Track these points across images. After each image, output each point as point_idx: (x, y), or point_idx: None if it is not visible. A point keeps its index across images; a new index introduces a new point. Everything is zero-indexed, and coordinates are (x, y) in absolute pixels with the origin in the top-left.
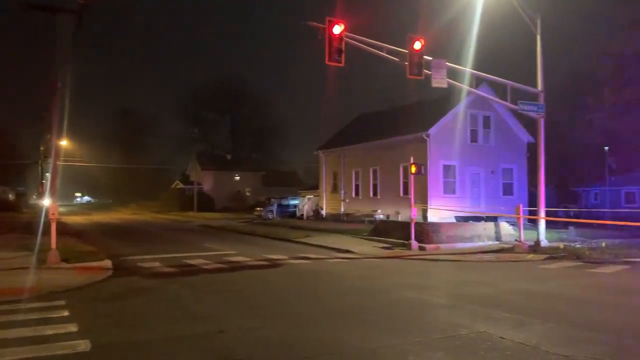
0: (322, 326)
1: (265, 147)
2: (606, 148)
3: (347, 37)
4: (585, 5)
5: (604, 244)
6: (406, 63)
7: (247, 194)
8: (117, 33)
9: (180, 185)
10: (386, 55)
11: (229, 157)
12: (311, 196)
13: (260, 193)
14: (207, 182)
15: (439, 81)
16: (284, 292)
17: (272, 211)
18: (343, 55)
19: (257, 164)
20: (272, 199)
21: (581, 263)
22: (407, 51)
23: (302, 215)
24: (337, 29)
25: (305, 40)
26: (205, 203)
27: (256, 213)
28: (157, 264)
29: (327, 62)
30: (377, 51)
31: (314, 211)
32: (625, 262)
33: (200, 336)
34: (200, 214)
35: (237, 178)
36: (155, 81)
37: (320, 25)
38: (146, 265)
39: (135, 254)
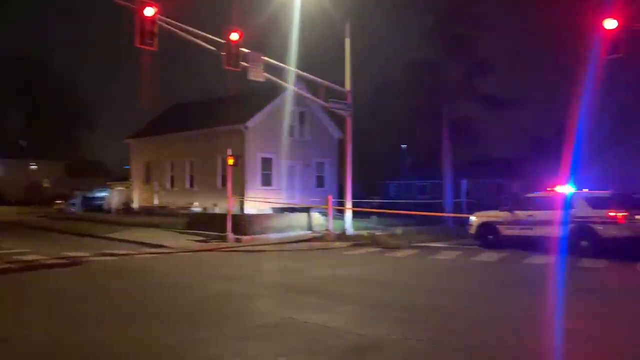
0: (125, 325)
1: (69, 134)
2: (404, 146)
3: (161, 20)
4: (389, 13)
5: (399, 231)
6: (223, 53)
7: (47, 185)
8: None
9: None
10: (203, 43)
11: (23, 143)
12: (121, 188)
13: (64, 184)
14: None
15: (256, 74)
16: (82, 292)
17: (75, 204)
18: (156, 40)
19: (59, 153)
20: (76, 191)
21: (380, 249)
22: (224, 41)
23: (111, 208)
24: (149, 11)
25: (120, 23)
26: None
27: (57, 206)
28: None
29: (137, 44)
30: (193, 38)
31: (124, 204)
32: (416, 247)
33: None
34: None
35: (34, 167)
36: None
37: (131, 5)
38: None
39: None
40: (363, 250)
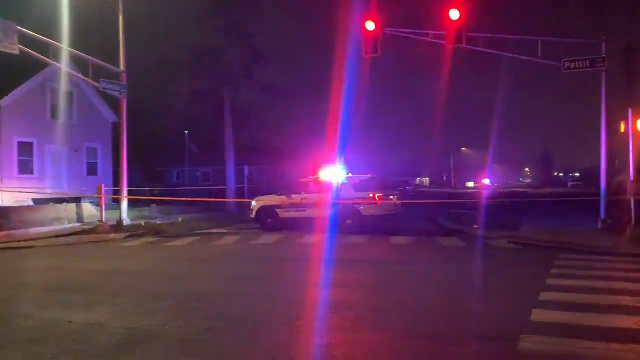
0: None
1: None
2: (187, 132)
3: None
4: None
5: (181, 219)
6: None
7: None
8: None
9: None
10: None
11: None
12: None
13: None
14: None
15: (9, 46)
16: None
17: None
18: None
19: None
20: None
21: (160, 238)
22: None
23: None
24: None
25: None
26: None
27: None
28: None
29: None
30: None
31: None
32: (197, 234)
33: None
34: None
35: None
36: None
37: None
38: None
39: None
40: (141, 241)
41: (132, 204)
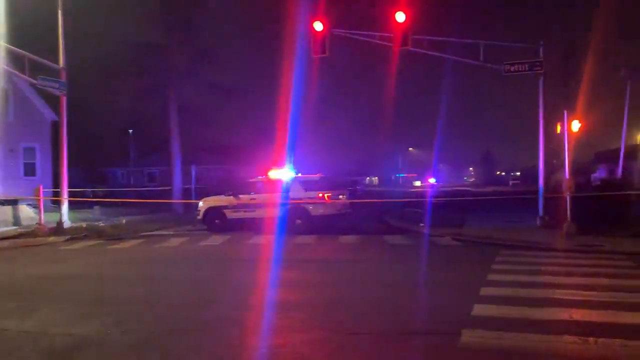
0: None
1: None
2: (130, 131)
3: None
4: None
5: (124, 221)
6: None
7: None
8: None
9: None
10: None
11: None
12: None
13: None
14: None
15: None
16: None
17: None
18: None
19: None
20: None
21: (103, 241)
22: None
23: None
24: None
25: None
26: None
27: None
28: None
29: None
30: None
31: None
32: (142, 236)
33: None
34: None
35: None
36: None
37: None
38: None
39: None
40: (82, 244)
41: (73, 205)
